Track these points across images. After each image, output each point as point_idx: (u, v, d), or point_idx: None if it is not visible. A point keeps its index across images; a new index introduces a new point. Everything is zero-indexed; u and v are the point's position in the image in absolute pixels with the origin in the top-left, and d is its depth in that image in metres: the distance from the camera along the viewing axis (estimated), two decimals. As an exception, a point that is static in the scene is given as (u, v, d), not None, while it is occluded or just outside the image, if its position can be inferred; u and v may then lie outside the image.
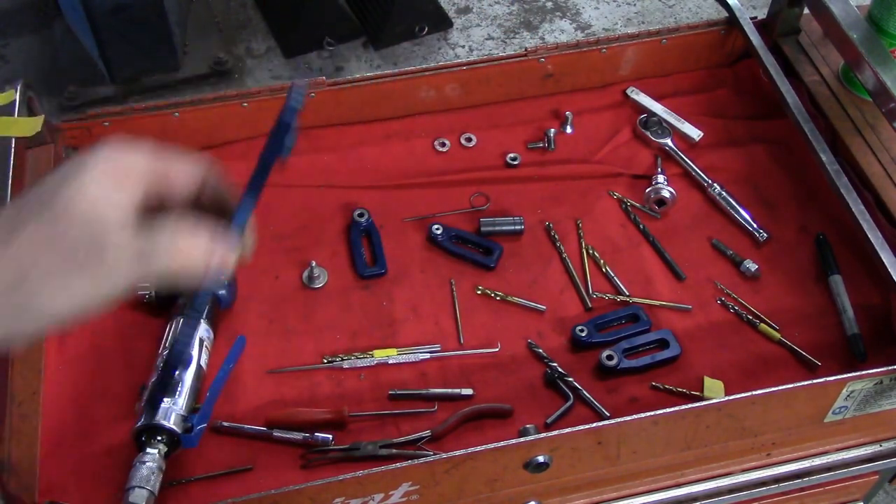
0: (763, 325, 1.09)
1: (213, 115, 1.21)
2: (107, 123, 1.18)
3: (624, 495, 1.03)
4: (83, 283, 0.53)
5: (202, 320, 1.03)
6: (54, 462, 0.95)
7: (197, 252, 0.57)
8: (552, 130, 1.28)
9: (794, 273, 1.15)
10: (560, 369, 1.05)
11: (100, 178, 0.54)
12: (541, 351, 1.07)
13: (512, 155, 1.26)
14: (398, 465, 0.88)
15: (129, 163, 0.56)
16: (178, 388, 0.95)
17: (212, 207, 0.61)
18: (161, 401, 0.92)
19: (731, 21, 1.33)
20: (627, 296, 1.12)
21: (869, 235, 1.07)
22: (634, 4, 2.75)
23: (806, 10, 1.28)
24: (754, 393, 0.92)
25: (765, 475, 1.06)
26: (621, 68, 1.33)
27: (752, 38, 1.30)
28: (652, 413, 0.90)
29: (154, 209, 0.58)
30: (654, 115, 1.30)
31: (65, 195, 0.53)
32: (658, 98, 1.32)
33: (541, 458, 0.91)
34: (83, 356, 1.04)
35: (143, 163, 0.57)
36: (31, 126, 1.11)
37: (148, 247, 0.55)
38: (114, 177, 0.55)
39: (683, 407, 0.91)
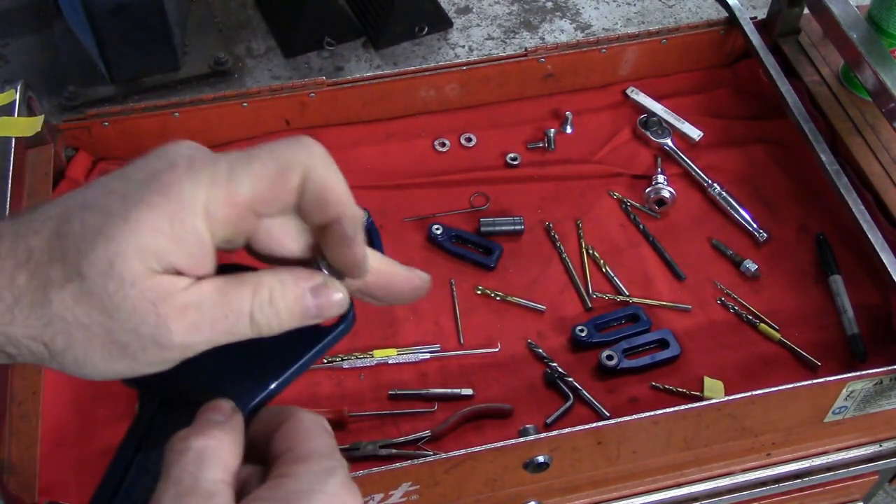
0: (763, 325, 1.09)
1: (212, 116, 1.21)
2: (106, 123, 1.18)
3: (624, 495, 1.03)
4: (136, 365, 0.44)
5: None
6: (54, 462, 0.95)
7: (289, 316, 0.47)
8: (552, 130, 1.28)
9: (794, 273, 1.15)
10: (560, 369, 1.05)
11: (147, 238, 0.41)
12: (541, 351, 1.07)
13: (512, 155, 1.26)
14: (398, 465, 0.88)
15: (189, 201, 0.42)
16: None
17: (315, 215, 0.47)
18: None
19: (731, 21, 1.33)
20: (627, 296, 1.12)
21: (869, 235, 1.07)
22: (634, 4, 2.74)
23: (806, 10, 1.28)
24: (754, 393, 0.92)
25: (765, 475, 1.06)
26: (621, 68, 1.33)
27: (752, 38, 1.30)
28: (652, 413, 0.90)
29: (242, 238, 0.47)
30: (654, 115, 1.30)
31: (101, 260, 0.40)
32: (658, 98, 1.32)
33: (541, 458, 0.91)
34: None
35: (206, 197, 0.43)
36: (31, 126, 1.11)
37: (227, 315, 0.45)
38: (169, 233, 0.42)
39: (683, 407, 0.91)
